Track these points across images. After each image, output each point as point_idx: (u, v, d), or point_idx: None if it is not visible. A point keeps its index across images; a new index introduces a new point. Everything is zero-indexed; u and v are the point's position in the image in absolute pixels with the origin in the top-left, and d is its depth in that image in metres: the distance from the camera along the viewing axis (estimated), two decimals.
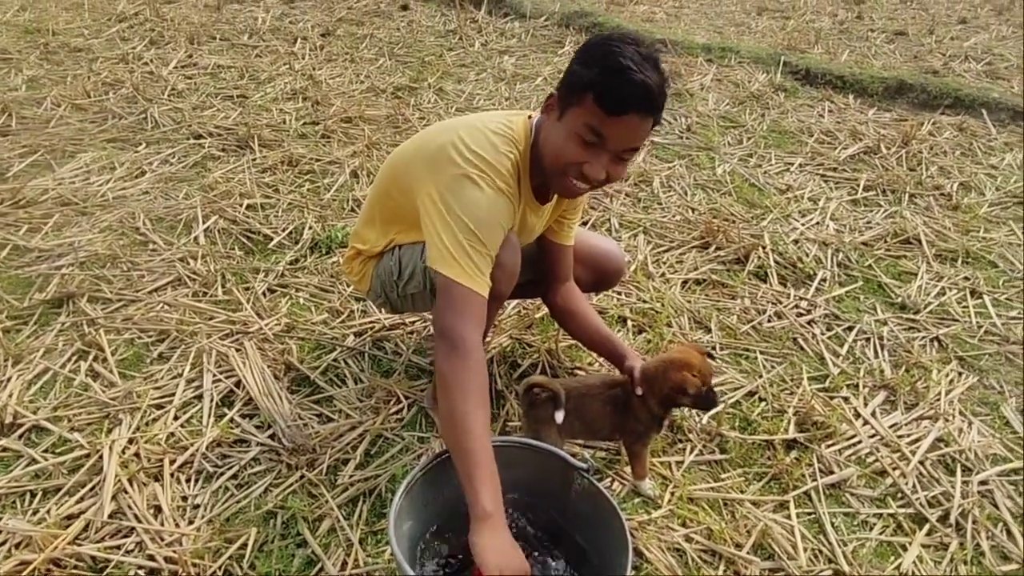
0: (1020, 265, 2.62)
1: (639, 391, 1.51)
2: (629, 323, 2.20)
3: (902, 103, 4.16)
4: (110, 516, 1.50)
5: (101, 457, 1.63)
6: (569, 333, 1.82)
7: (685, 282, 2.44)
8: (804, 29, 5.50)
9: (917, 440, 1.81)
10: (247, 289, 2.29)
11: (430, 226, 1.36)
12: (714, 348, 2.12)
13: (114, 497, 1.54)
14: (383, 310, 2.15)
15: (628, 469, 1.65)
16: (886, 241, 2.75)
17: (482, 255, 1.34)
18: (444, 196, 1.35)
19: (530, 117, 1.49)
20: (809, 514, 1.60)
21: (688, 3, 6.34)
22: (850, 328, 2.24)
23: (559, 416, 1.49)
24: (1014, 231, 2.85)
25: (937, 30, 5.68)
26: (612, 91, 1.26)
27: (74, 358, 1.97)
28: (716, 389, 1.60)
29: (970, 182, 3.24)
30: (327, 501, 1.56)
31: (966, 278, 2.53)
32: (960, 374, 2.07)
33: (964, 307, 2.38)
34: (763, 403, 1.91)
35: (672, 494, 1.61)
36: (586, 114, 1.29)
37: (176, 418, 1.78)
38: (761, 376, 2.00)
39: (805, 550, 1.49)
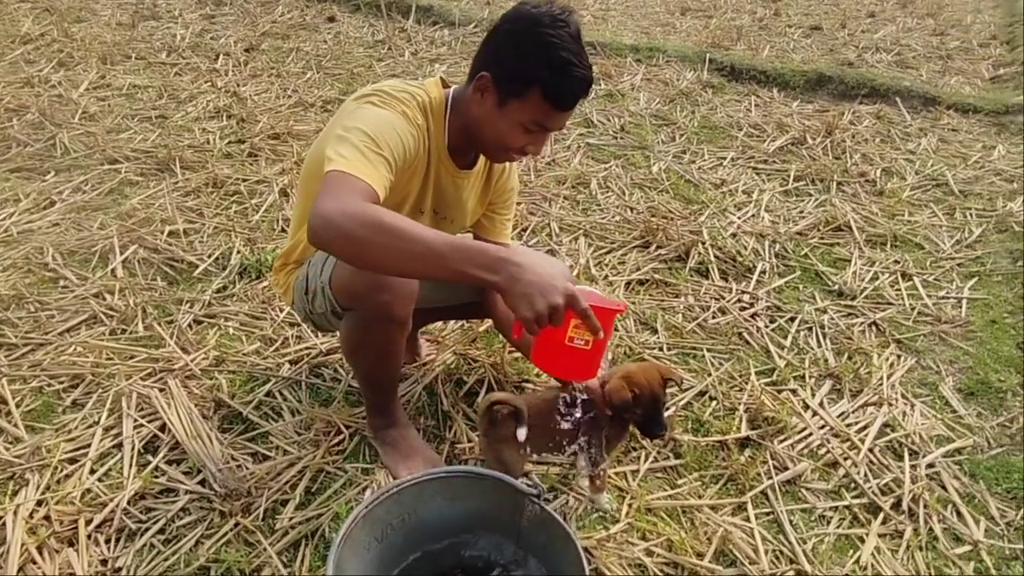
0: (944, 246, 2.71)
1: (609, 412, 1.47)
2: None
3: (823, 95, 4.30)
4: None
5: (4, 525, 1.46)
6: (508, 341, 1.76)
7: (628, 283, 2.42)
8: (726, 27, 5.64)
9: (865, 428, 1.82)
10: (170, 323, 2.14)
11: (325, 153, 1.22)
12: (661, 349, 2.10)
13: (21, 569, 1.38)
14: (309, 326, 2.04)
15: (585, 483, 1.59)
16: (819, 229, 2.80)
17: (378, 155, 1.23)
18: (342, 123, 1.27)
19: (442, 81, 1.46)
20: (767, 514, 1.58)
21: (614, 5, 6.42)
22: (792, 319, 2.27)
23: (521, 433, 1.42)
24: (935, 213, 2.96)
25: (849, 24, 5.92)
26: (559, 89, 1.29)
27: None
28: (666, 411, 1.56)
29: (891, 167, 3.36)
30: (265, 549, 1.44)
31: (896, 261, 2.60)
32: (899, 357, 2.11)
33: (897, 290, 2.44)
34: (714, 402, 1.90)
35: (630, 506, 1.56)
36: (532, 109, 1.31)
37: (92, 471, 1.62)
38: (710, 374, 1.99)
39: (766, 552, 1.47)
